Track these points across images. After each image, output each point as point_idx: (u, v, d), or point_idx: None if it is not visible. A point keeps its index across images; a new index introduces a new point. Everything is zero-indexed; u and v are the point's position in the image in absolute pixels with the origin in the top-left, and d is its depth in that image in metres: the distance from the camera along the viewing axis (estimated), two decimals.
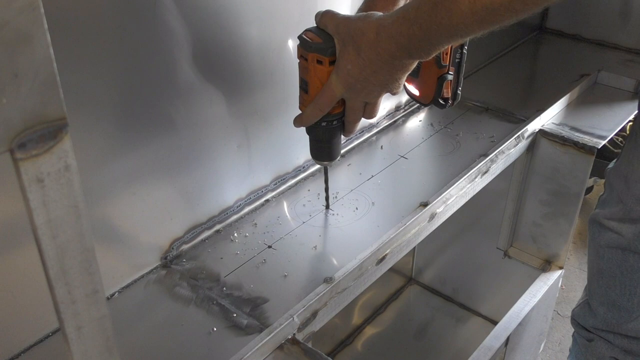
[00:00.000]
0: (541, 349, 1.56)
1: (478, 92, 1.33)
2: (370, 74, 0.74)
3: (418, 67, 0.83)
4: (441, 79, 0.84)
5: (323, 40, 0.77)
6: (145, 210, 0.82)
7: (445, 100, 0.87)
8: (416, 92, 0.89)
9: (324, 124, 0.84)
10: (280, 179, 1.02)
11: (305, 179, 1.05)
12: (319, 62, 0.78)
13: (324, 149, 0.89)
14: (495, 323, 1.38)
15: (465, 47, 0.84)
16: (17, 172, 0.31)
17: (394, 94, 0.80)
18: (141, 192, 0.81)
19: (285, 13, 0.91)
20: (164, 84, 0.78)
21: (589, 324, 1.16)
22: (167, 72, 0.77)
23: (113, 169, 0.76)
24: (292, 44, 0.93)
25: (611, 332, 1.13)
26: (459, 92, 0.87)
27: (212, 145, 0.88)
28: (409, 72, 0.76)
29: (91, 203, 0.75)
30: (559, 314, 1.77)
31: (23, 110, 0.29)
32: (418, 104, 0.94)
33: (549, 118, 1.26)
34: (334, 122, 0.85)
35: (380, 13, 0.74)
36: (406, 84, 0.88)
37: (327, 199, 0.98)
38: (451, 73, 0.84)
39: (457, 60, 0.84)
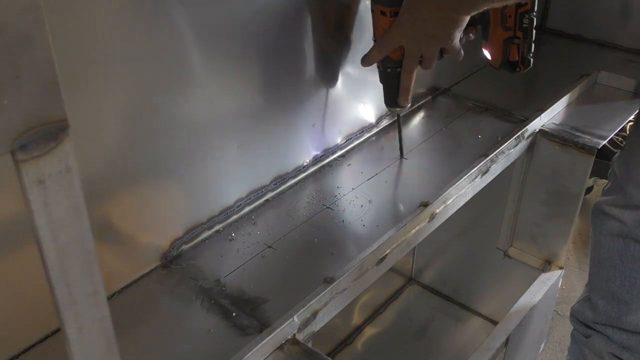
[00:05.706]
0: (541, 349, 1.56)
1: (478, 92, 1.33)
2: (422, 23, 0.86)
3: (486, 30, 0.93)
4: (507, 41, 0.92)
5: None
6: (145, 210, 0.82)
7: (514, 64, 0.92)
8: (488, 56, 0.98)
9: (388, 70, 0.96)
10: (281, 179, 1.02)
11: (305, 179, 1.05)
12: (382, 13, 0.90)
13: (392, 95, 1.00)
14: (495, 323, 1.38)
15: (534, 13, 0.90)
16: (18, 173, 0.31)
17: (449, 49, 0.89)
18: (141, 192, 0.81)
19: (286, 13, 0.91)
20: (164, 84, 0.78)
21: (588, 318, 1.16)
22: (167, 71, 0.77)
23: (113, 169, 0.76)
24: (292, 44, 0.93)
25: (610, 326, 1.13)
26: (529, 57, 0.93)
27: (212, 145, 0.88)
28: (461, 28, 0.85)
29: (91, 203, 0.75)
30: (559, 314, 1.77)
31: (24, 112, 0.29)
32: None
33: (549, 118, 1.26)
34: (398, 69, 0.95)
35: None
36: (482, 49, 0.98)
37: (400, 147, 1.08)
38: (518, 37, 0.91)
39: (524, 25, 0.89)
